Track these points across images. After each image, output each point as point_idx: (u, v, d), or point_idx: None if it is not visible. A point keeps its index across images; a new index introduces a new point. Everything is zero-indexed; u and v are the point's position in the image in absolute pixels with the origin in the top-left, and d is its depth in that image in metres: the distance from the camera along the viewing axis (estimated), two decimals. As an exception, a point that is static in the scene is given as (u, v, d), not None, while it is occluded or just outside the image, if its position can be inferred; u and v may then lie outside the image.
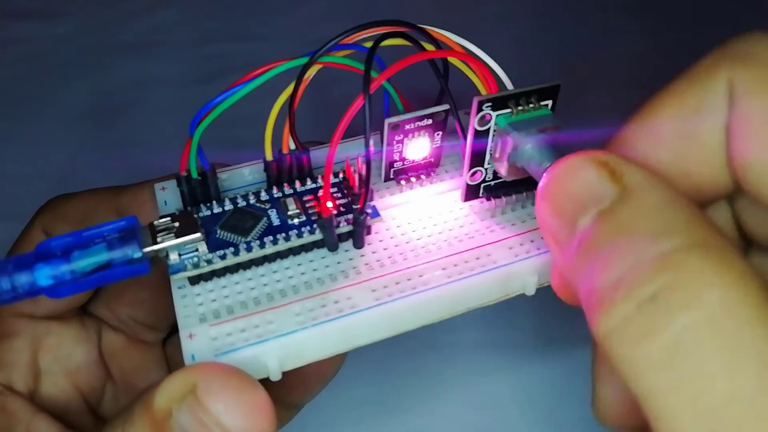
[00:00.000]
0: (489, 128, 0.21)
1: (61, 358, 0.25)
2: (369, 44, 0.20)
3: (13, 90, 0.48)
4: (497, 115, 0.20)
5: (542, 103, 0.20)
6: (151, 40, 0.51)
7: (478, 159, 0.22)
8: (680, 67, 0.18)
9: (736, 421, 0.12)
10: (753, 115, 0.15)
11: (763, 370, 0.12)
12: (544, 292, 0.21)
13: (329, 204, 0.20)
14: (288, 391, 0.26)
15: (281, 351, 0.19)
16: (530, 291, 0.21)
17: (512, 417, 0.32)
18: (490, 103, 0.20)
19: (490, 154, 0.21)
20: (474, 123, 0.20)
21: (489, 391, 0.33)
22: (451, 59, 0.21)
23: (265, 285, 0.20)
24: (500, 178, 0.22)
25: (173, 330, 0.28)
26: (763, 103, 0.15)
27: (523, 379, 0.33)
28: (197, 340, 0.19)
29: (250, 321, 0.19)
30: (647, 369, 0.13)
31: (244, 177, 0.24)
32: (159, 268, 0.20)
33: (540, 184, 0.17)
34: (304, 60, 0.20)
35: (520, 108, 0.20)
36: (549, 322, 0.35)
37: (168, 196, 0.23)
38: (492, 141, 0.21)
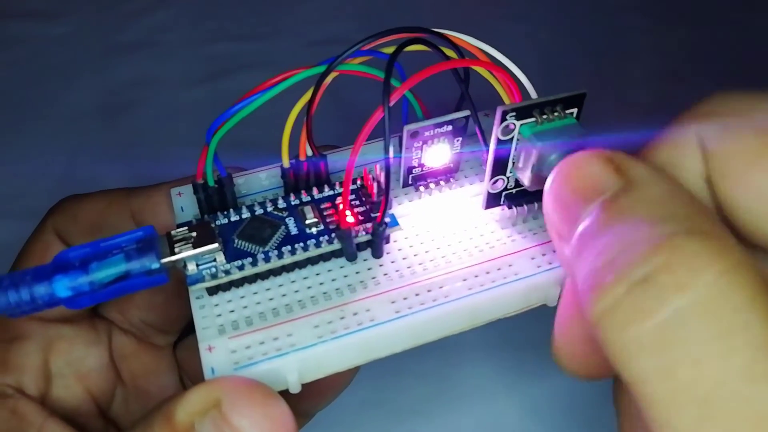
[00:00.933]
0: (512, 137, 0.20)
1: (73, 361, 0.25)
2: (387, 50, 0.20)
3: (13, 90, 0.48)
4: (521, 125, 0.20)
5: (567, 111, 0.20)
6: (151, 40, 0.51)
7: (500, 167, 0.21)
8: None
9: (724, 409, 0.12)
10: (729, 158, 0.16)
11: (754, 358, 0.12)
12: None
13: (349, 217, 0.20)
14: (301, 400, 0.26)
15: (301, 364, 0.19)
16: (552, 302, 0.21)
17: (520, 420, 0.32)
18: (514, 113, 0.19)
19: (513, 163, 0.21)
20: (497, 132, 0.20)
21: (497, 394, 0.33)
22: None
23: (283, 295, 0.20)
24: (521, 186, 0.22)
25: (183, 333, 0.28)
26: (735, 148, 0.16)
27: (533, 382, 0.33)
28: (216, 353, 0.19)
29: (269, 333, 0.19)
30: (637, 353, 0.13)
31: (260, 182, 0.24)
32: (174, 275, 0.20)
33: (547, 181, 0.17)
34: (321, 68, 0.19)
35: (544, 117, 0.19)
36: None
37: (184, 202, 0.23)
38: (515, 150, 0.20)
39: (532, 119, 0.19)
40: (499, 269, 0.20)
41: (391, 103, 0.18)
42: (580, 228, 0.15)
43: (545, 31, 0.51)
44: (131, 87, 0.48)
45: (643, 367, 0.13)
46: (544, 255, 0.21)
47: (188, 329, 0.28)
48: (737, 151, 0.16)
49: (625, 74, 0.48)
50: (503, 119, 0.19)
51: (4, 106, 0.47)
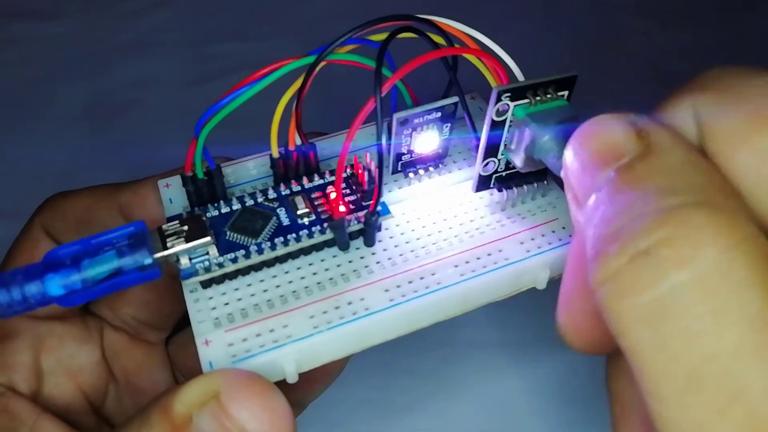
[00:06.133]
0: (506, 119, 0.20)
1: (64, 358, 0.25)
2: (376, 38, 0.20)
3: (12, 90, 0.47)
4: (515, 106, 0.20)
5: (559, 93, 0.20)
6: (150, 40, 0.51)
7: (492, 149, 0.21)
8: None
9: (708, 383, 0.12)
10: (721, 133, 0.15)
11: (745, 335, 0.12)
12: (553, 287, 0.21)
13: (341, 208, 0.20)
14: (294, 390, 0.26)
15: (297, 355, 0.19)
16: (541, 285, 0.21)
17: (516, 416, 0.32)
18: (509, 94, 0.19)
19: (505, 145, 0.21)
20: (491, 113, 0.20)
21: (492, 390, 0.33)
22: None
23: (277, 287, 0.20)
24: (511, 168, 0.22)
25: (176, 329, 0.28)
26: (728, 123, 0.15)
27: (527, 377, 0.33)
28: (213, 347, 0.19)
29: (264, 325, 0.19)
30: (634, 324, 0.13)
31: (249, 171, 0.24)
32: (165, 270, 0.20)
33: (569, 140, 0.17)
34: (311, 59, 0.19)
35: (537, 99, 0.20)
36: (552, 320, 0.36)
37: (173, 194, 0.23)
38: (508, 132, 0.21)
39: (526, 101, 0.20)
40: (489, 254, 0.21)
41: (383, 93, 0.18)
42: (595, 193, 0.15)
43: (543, 31, 0.50)
44: (130, 87, 0.48)
45: (638, 337, 0.13)
46: (533, 239, 0.21)
47: (180, 325, 0.28)
48: (730, 126, 0.15)
49: (623, 74, 0.47)
50: (498, 99, 0.19)
51: (2, 106, 0.46)
